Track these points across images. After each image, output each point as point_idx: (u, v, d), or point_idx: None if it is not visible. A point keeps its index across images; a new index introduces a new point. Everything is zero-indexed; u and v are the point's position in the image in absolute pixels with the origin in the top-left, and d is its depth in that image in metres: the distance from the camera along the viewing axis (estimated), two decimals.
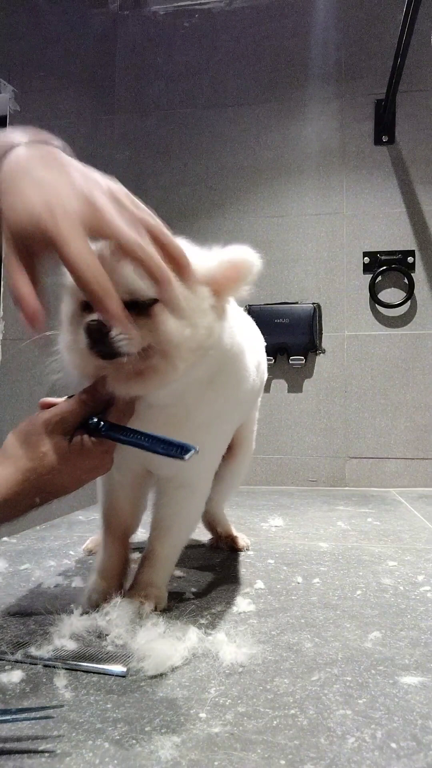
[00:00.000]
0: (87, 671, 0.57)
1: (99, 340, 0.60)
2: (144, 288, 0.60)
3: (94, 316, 0.59)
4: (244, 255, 0.67)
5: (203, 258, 0.67)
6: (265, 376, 1.02)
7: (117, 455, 0.70)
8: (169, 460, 0.63)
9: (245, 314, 0.93)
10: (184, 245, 0.65)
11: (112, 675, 0.57)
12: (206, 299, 0.65)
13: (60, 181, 0.57)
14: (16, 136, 0.62)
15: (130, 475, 0.80)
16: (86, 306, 0.62)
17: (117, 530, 0.80)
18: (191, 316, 0.63)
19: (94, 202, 0.57)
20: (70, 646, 0.62)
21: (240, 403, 0.84)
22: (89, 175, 0.59)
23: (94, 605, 0.72)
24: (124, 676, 0.56)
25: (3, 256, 0.58)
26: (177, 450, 0.62)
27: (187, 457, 0.61)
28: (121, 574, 0.79)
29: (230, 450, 1.01)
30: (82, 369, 0.66)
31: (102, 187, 0.59)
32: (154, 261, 0.58)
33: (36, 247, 0.56)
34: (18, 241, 0.56)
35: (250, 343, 0.84)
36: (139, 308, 0.61)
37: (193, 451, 0.61)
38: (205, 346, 0.65)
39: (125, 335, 0.59)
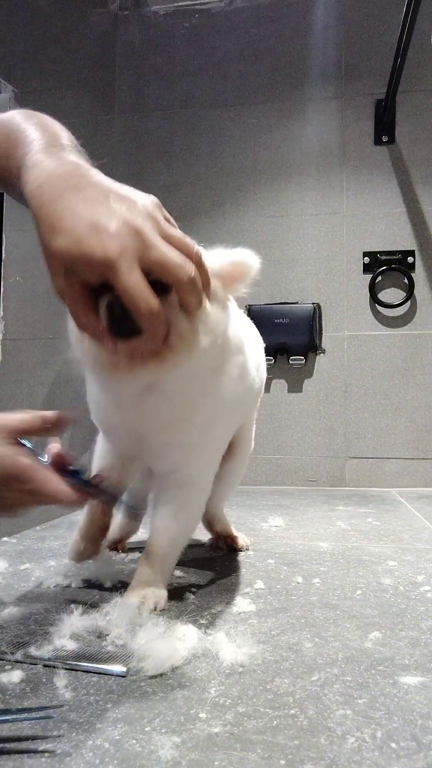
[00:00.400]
0: (87, 671, 0.57)
1: (121, 318, 0.58)
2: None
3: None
4: (245, 256, 0.71)
5: (209, 257, 0.69)
6: (265, 377, 1.03)
7: (109, 436, 0.78)
8: (166, 455, 0.66)
9: (245, 316, 0.95)
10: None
11: (112, 675, 0.57)
12: (217, 291, 0.67)
13: (100, 207, 0.56)
14: (30, 133, 0.62)
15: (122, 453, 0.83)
16: (103, 288, 0.60)
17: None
18: (207, 308, 0.65)
19: (138, 229, 0.56)
20: (70, 646, 0.62)
21: (242, 399, 0.84)
22: (126, 196, 0.59)
23: (72, 558, 0.86)
24: (124, 676, 0.56)
25: (54, 288, 0.58)
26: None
27: None
28: (98, 538, 0.87)
29: (229, 450, 1.02)
30: (96, 355, 0.64)
31: (140, 210, 0.58)
32: (196, 285, 0.60)
33: (86, 276, 0.56)
34: (68, 271, 0.56)
35: (250, 342, 0.87)
36: (160, 289, 0.61)
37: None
38: (215, 333, 0.66)
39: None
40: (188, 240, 0.61)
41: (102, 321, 0.59)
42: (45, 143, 0.64)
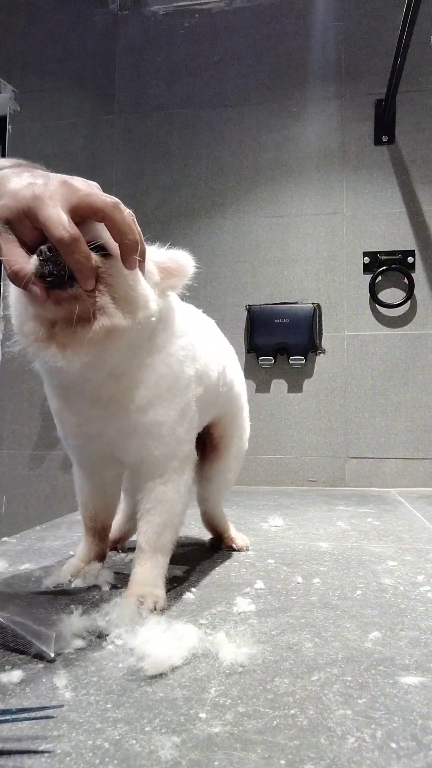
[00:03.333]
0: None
1: (51, 260, 0.62)
2: (108, 238, 0.66)
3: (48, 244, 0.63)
4: (184, 256, 0.78)
5: (153, 250, 0.77)
6: (238, 378, 1.08)
7: (81, 453, 0.83)
8: (127, 443, 0.75)
9: (213, 325, 1.02)
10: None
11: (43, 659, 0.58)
12: (154, 275, 0.74)
13: (39, 179, 0.64)
14: (1, 162, 0.70)
15: (95, 474, 0.88)
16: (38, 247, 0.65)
17: (92, 526, 0.90)
18: (139, 277, 0.69)
19: (67, 181, 0.64)
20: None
21: (197, 386, 0.84)
22: (64, 176, 0.66)
23: (66, 575, 0.86)
24: (51, 662, 0.58)
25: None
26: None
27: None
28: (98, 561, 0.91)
29: (215, 450, 1.05)
30: (31, 311, 0.67)
31: (75, 178, 0.66)
32: (127, 221, 0.65)
33: (20, 227, 0.63)
34: (6, 228, 0.63)
35: (213, 342, 0.96)
36: (99, 253, 0.66)
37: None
38: (147, 309, 0.70)
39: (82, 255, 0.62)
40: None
41: (31, 267, 0.63)
42: (12, 164, 0.69)
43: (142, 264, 0.69)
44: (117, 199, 0.65)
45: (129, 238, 0.65)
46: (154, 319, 0.72)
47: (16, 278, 0.63)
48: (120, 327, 0.67)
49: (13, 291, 0.69)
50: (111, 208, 0.64)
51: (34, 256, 0.63)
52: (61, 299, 0.65)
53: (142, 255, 0.69)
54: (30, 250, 0.64)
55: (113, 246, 0.67)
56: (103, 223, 0.65)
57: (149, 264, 0.73)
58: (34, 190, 0.62)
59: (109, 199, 0.64)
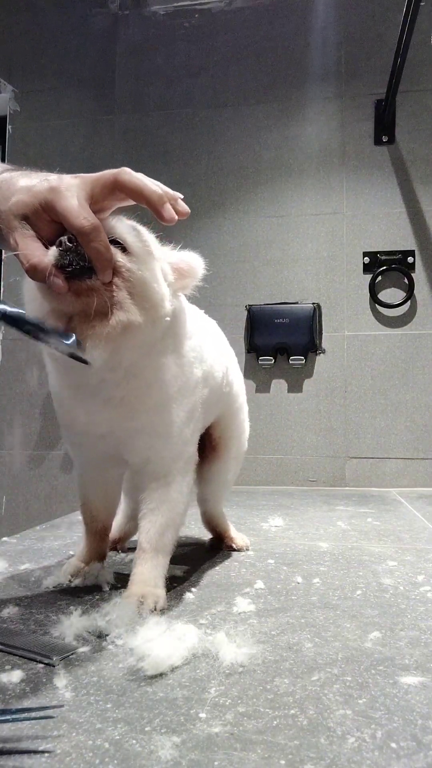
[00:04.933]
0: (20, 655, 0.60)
1: (72, 251, 0.63)
2: (123, 232, 0.68)
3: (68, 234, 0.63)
4: (196, 258, 0.78)
5: (166, 251, 0.77)
6: (238, 380, 1.09)
7: (84, 453, 0.83)
8: (133, 444, 0.76)
9: (215, 326, 1.03)
10: (154, 239, 0.74)
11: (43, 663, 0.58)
12: (168, 274, 0.74)
13: (49, 176, 0.65)
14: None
15: (97, 474, 0.88)
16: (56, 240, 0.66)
17: (93, 527, 0.90)
18: (157, 275, 0.70)
19: (80, 176, 0.65)
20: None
21: (203, 388, 0.85)
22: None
23: (66, 575, 0.86)
24: (53, 666, 0.58)
25: (11, 241, 0.64)
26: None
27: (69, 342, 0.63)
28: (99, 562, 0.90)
29: (215, 450, 1.05)
30: (48, 306, 0.67)
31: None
32: (140, 180, 0.66)
33: (37, 220, 0.63)
34: (23, 223, 0.63)
35: (216, 344, 0.96)
36: (116, 246, 0.67)
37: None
38: (163, 307, 0.70)
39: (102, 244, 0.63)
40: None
41: (51, 258, 0.63)
42: (3, 169, 0.70)
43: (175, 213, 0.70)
44: (122, 168, 0.66)
45: (148, 192, 0.66)
46: (168, 318, 0.72)
47: (36, 271, 0.63)
48: (136, 323, 0.67)
49: (29, 289, 0.69)
50: (121, 174, 0.65)
51: (53, 248, 0.63)
52: (80, 291, 0.64)
53: (173, 201, 0.69)
54: (48, 245, 0.64)
55: (130, 240, 0.68)
56: (120, 219, 0.67)
57: (164, 264, 0.73)
58: (50, 183, 0.63)
59: (116, 170, 0.66)
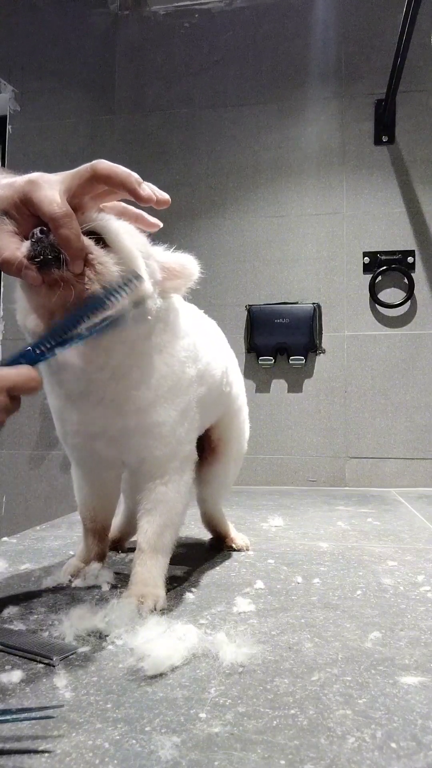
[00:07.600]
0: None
1: (42, 242, 0.63)
2: (104, 225, 0.68)
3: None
4: (191, 260, 0.78)
5: (160, 251, 0.77)
6: (238, 381, 1.08)
7: (83, 452, 0.82)
8: (128, 443, 0.76)
9: (215, 326, 1.03)
10: (145, 241, 0.74)
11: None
12: (155, 272, 0.73)
13: (35, 173, 0.66)
14: None
15: (95, 474, 0.88)
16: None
17: (92, 527, 0.90)
18: (138, 264, 0.69)
19: (59, 173, 0.66)
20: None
21: (199, 387, 0.84)
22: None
23: (66, 575, 0.87)
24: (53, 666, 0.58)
25: None
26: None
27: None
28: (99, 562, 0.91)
29: (213, 452, 1.05)
30: (32, 303, 0.67)
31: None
32: (113, 168, 0.66)
33: (15, 215, 0.64)
34: (6, 216, 0.64)
35: (216, 344, 0.96)
36: (91, 237, 0.67)
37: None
38: (145, 302, 0.70)
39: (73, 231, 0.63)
40: None
41: (24, 251, 0.63)
42: None
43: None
44: (98, 159, 0.67)
45: (123, 175, 0.67)
46: (150, 318, 0.72)
47: (9, 265, 0.63)
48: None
49: (17, 288, 0.69)
50: (97, 164, 0.66)
51: (27, 241, 0.64)
52: (53, 283, 0.64)
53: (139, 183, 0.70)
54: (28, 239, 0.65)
55: (110, 233, 0.68)
56: (105, 215, 0.67)
57: (151, 262, 0.73)
58: (30, 177, 0.64)
59: (92, 162, 0.66)
